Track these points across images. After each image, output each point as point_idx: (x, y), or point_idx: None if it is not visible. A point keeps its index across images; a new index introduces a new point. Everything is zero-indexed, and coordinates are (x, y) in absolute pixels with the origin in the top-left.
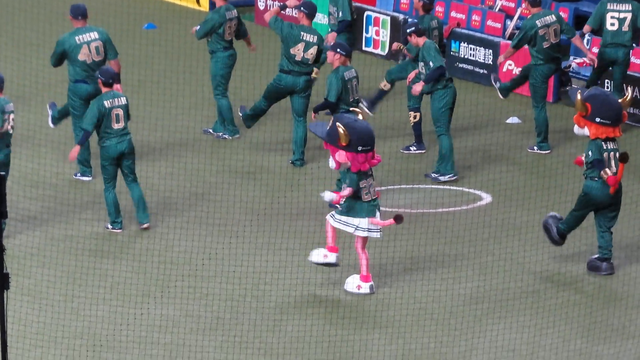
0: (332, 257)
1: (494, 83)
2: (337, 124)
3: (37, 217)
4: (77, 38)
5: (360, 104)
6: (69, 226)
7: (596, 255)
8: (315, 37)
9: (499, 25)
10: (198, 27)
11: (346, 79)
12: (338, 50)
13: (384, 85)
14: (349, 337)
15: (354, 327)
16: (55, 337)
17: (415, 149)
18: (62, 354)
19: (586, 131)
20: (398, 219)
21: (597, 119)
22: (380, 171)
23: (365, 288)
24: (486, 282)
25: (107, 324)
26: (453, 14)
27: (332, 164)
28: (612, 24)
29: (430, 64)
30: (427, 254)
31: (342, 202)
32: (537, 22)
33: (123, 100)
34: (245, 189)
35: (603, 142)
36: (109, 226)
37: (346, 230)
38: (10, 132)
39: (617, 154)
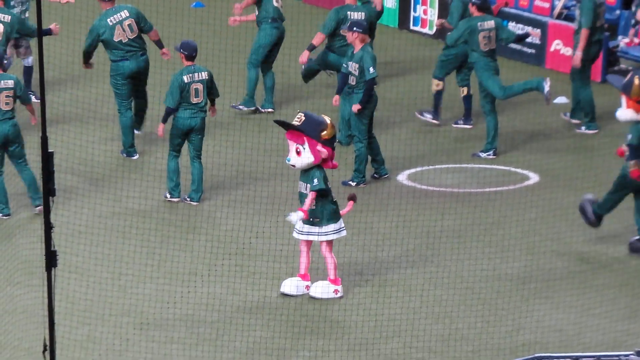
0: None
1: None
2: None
3: (84, 195)
4: (109, 20)
5: (424, 116)
6: (117, 204)
7: (637, 237)
8: (363, 13)
9: (547, 5)
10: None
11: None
12: (354, 28)
13: (437, 85)
14: (395, 316)
15: (401, 306)
16: (102, 315)
17: (462, 123)
18: (109, 331)
19: (633, 115)
20: (353, 198)
21: None
22: (424, 147)
23: (340, 291)
24: (533, 262)
25: (154, 302)
26: None
27: (304, 159)
28: None
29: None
30: (474, 234)
31: (319, 210)
32: None
33: (204, 75)
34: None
35: None
36: (167, 195)
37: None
38: (4, 108)
39: None
